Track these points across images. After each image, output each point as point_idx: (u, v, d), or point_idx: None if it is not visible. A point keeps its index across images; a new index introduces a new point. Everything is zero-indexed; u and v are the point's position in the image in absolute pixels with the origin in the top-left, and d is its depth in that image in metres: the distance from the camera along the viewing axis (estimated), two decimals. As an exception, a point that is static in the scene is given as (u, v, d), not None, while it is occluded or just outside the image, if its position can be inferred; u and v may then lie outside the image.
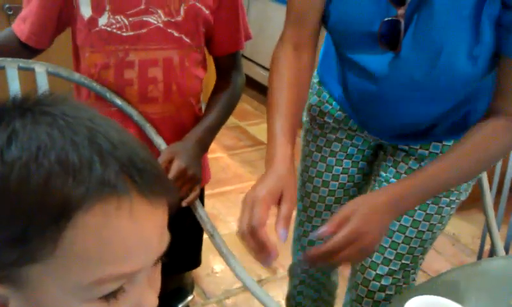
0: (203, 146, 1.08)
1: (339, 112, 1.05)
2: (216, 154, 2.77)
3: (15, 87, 0.93)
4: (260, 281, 1.85)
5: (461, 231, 2.25)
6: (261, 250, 0.76)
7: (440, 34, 0.83)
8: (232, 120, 2.73)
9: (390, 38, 0.85)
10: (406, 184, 0.86)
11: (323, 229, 0.79)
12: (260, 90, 3.43)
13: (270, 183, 0.79)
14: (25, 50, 1.03)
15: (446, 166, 0.85)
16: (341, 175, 1.09)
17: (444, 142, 0.98)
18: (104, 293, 0.42)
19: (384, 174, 1.04)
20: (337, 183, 1.10)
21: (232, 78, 1.13)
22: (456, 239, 2.26)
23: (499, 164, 1.28)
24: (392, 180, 1.02)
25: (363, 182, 1.12)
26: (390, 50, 0.86)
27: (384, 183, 1.03)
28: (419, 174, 0.86)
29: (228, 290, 1.81)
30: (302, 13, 0.92)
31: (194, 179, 1.02)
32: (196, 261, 1.37)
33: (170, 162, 0.98)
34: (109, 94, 1.01)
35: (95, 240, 0.40)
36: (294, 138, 0.87)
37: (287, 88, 0.89)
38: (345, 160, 1.09)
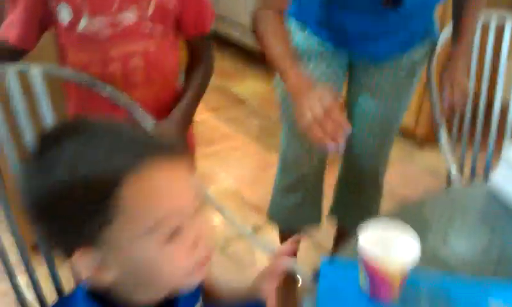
0: (186, 119, 1.22)
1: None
2: (202, 115, 2.87)
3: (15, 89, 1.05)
4: (255, 229, 2.02)
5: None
6: (337, 130, 0.93)
7: None
8: (212, 81, 2.83)
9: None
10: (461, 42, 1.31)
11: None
12: (237, 48, 3.53)
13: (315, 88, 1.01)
14: (14, 53, 1.15)
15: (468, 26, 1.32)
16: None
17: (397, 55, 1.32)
18: (166, 232, 0.59)
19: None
20: None
21: (203, 57, 1.26)
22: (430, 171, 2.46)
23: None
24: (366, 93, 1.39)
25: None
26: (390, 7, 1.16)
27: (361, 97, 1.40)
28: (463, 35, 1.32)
29: (228, 240, 1.95)
30: None
31: (183, 146, 1.16)
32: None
33: (161, 134, 1.12)
34: (98, 84, 1.14)
35: (143, 196, 0.58)
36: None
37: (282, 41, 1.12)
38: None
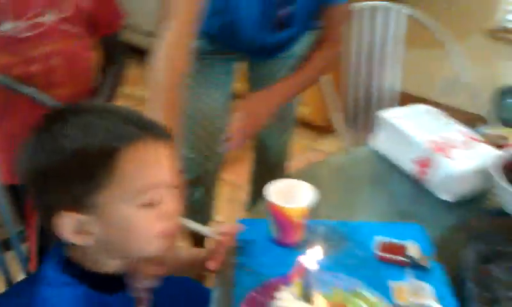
0: None
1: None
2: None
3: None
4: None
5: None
6: None
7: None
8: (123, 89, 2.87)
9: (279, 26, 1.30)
10: (284, 83, 1.32)
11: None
12: (140, 53, 3.56)
13: None
14: None
15: (302, 73, 1.34)
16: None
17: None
18: (146, 199, 0.71)
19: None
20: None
21: (115, 55, 1.38)
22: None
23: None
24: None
25: None
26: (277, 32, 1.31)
27: None
28: (290, 77, 1.33)
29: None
30: (187, 22, 1.09)
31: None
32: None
33: None
34: (18, 86, 1.21)
35: (135, 166, 0.69)
36: None
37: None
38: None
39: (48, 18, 1.21)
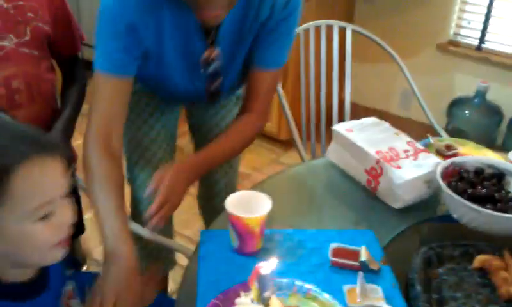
0: (67, 132, 1.35)
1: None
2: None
3: None
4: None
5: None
6: None
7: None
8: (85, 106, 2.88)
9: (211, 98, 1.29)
10: (200, 157, 1.20)
11: (149, 189, 1.08)
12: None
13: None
14: None
15: (220, 147, 1.23)
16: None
17: None
18: (42, 215, 0.74)
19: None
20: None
21: (77, 76, 1.41)
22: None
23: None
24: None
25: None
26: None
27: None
28: (207, 150, 1.21)
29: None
30: (112, 108, 1.10)
31: (71, 159, 1.30)
32: (81, 228, 1.64)
33: None
34: (-19, 108, 1.23)
35: (29, 185, 0.72)
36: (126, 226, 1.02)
37: (111, 190, 1.03)
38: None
39: (8, 42, 1.23)
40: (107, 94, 1.11)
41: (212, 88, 1.26)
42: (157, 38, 1.12)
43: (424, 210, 1.18)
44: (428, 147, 1.35)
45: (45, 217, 0.75)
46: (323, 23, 1.83)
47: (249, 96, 1.26)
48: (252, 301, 0.81)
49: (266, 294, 0.80)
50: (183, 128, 1.56)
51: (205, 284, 0.93)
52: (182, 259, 1.38)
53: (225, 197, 1.00)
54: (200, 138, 1.52)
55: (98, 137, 1.09)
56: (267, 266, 0.78)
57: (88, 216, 1.64)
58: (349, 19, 3.05)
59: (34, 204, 0.73)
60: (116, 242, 0.96)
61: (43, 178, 0.74)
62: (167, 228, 1.54)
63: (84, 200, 1.39)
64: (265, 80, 1.23)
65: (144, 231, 1.22)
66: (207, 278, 0.95)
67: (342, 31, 1.85)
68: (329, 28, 1.84)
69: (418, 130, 1.77)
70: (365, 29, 1.88)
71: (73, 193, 1.38)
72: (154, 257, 1.50)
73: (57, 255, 0.79)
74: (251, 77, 1.24)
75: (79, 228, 1.63)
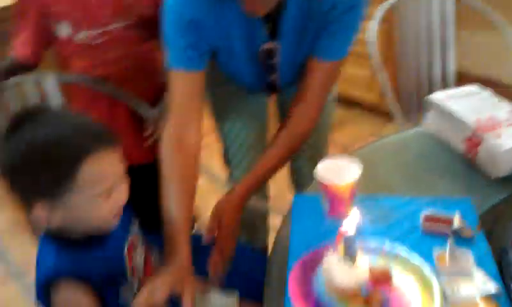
0: None
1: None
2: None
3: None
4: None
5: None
6: None
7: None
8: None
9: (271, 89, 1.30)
10: (249, 180, 1.19)
11: (205, 237, 1.11)
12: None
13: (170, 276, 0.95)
14: (27, 67, 1.38)
15: (271, 160, 1.20)
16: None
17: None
18: (104, 195, 0.88)
19: None
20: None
21: None
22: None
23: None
24: None
25: None
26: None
27: None
28: (256, 170, 1.20)
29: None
30: (185, 103, 1.13)
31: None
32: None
33: (157, 118, 1.38)
34: (99, 84, 1.39)
35: (94, 175, 0.86)
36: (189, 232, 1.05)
37: (177, 188, 1.07)
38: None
39: (115, 26, 1.36)
40: (179, 91, 1.14)
41: (270, 80, 1.28)
42: (223, 30, 1.13)
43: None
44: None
45: (106, 197, 0.89)
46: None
47: (303, 86, 1.21)
48: (339, 259, 0.85)
49: (351, 253, 0.83)
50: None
51: (296, 244, 0.99)
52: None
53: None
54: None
55: (172, 134, 1.12)
56: (351, 226, 0.82)
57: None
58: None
59: (97, 190, 0.87)
60: (173, 247, 1.01)
61: (105, 168, 0.88)
62: (261, 192, 1.58)
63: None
64: (322, 71, 1.19)
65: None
66: (298, 238, 1.01)
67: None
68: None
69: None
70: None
71: None
72: (248, 225, 1.56)
73: (113, 223, 0.94)
74: (308, 66, 1.20)
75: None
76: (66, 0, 1.33)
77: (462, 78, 1.83)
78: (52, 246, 0.91)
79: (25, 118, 0.89)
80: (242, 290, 1.12)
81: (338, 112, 1.69)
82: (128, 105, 1.42)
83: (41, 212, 0.87)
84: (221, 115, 1.44)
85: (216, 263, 1.08)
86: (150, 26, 1.43)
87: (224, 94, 1.40)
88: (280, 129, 1.24)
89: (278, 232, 1.06)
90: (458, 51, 1.83)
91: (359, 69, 2.73)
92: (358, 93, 2.92)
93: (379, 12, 1.73)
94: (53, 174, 0.84)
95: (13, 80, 1.31)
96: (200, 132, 1.15)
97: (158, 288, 0.91)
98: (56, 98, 1.34)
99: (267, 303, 0.91)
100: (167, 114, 1.15)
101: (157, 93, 1.47)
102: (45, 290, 0.89)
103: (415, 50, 1.81)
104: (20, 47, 1.37)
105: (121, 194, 0.93)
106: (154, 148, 1.40)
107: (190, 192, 1.11)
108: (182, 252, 1.00)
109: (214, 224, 1.12)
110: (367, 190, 1.07)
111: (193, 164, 1.13)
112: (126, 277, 0.97)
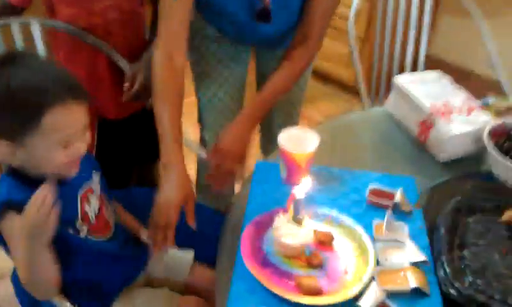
0: None
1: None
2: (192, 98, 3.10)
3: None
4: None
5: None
6: (164, 241, 1.04)
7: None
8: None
9: (262, 17, 1.30)
10: (254, 104, 1.29)
11: (205, 156, 1.23)
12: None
13: (177, 191, 1.04)
14: (15, 11, 1.42)
15: (274, 87, 1.30)
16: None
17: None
18: (63, 144, 0.96)
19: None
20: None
21: None
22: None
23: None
24: None
25: None
26: (264, 22, 1.31)
27: None
28: (261, 95, 1.29)
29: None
30: (175, 28, 1.21)
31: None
32: (156, 154, 1.83)
33: (135, 75, 1.43)
34: (83, 34, 1.44)
35: (58, 123, 0.94)
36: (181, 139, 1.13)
37: (168, 101, 1.16)
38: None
39: None
40: (169, 15, 1.22)
41: (262, 5, 1.28)
42: None
43: (468, 166, 1.24)
44: (488, 107, 1.38)
45: (65, 146, 0.97)
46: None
47: (305, 22, 1.30)
48: (288, 221, 0.95)
49: (299, 215, 0.94)
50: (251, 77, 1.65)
51: (253, 207, 1.08)
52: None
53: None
54: None
55: (162, 53, 1.20)
56: (301, 191, 0.91)
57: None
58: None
59: (59, 137, 0.95)
60: (169, 156, 1.09)
61: (68, 118, 0.95)
62: None
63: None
64: (321, 4, 1.27)
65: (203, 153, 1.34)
66: (255, 201, 1.10)
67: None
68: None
69: (481, 88, 1.74)
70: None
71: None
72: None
73: (70, 172, 1.02)
74: (307, 1, 1.28)
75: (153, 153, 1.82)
76: None
77: (434, 64, 1.91)
78: (9, 179, 0.99)
79: (6, 61, 0.96)
80: (199, 250, 1.23)
81: (312, 87, 1.77)
82: (109, 58, 1.47)
83: (4, 149, 0.95)
84: (200, 76, 1.51)
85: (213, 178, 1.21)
86: None
87: (207, 55, 1.47)
88: (282, 60, 1.31)
89: (237, 195, 1.16)
90: (436, 36, 1.89)
91: (339, 45, 2.80)
92: (334, 69, 2.99)
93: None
94: (19, 116, 0.92)
95: (0, 21, 1.35)
96: (185, 58, 1.23)
97: (171, 207, 1.02)
98: (40, 43, 1.39)
99: (220, 259, 1.00)
100: (156, 42, 1.23)
101: (138, 49, 1.52)
102: None
103: (391, 32, 1.88)
104: None
105: (80, 145, 1.00)
106: (130, 104, 1.47)
107: (179, 107, 1.18)
108: (179, 162, 1.09)
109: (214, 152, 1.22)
110: (324, 162, 1.17)
111: (181, 82, 1.21)
112: (74, 223, 1.05)
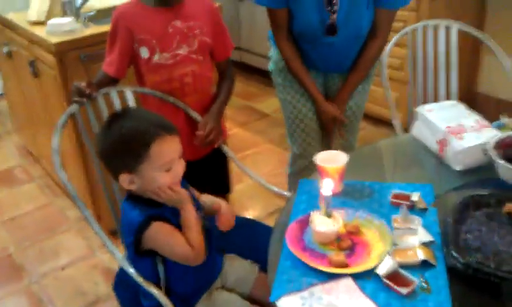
0: (220, 114, 1.90)
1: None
2: (233, 130, 3.52)
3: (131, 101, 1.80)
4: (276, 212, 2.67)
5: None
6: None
7: (355, 19, 1.82)
8: (240, 102, 3.50)
9: (330, 31, 1.82)
10: (344, 91, 2.02)
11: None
12: (260, 73, 4.20)
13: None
14: (112, 82, 1.85)
15: (355, 77, 1.97)
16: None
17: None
18: (166, 168, 1.31)
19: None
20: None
21: (227, 73, 1.96)
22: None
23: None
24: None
25: None
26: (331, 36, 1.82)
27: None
28: (348, 82, 2.00)
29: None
30: (282, 24, 1.90)
31: (219, 131, 1.85)
32: (227, 187, 2.19)
33: (205, 124, 1.81)
34: (165, 97, 1.84)
35: (159, 151, 1.29)
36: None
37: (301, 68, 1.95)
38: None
39: (182, 51, 1.82)
40: (272, 18, 1.92)
41: (330, 21, 1.83)
42: None
43: (481, 174, 1.46)
44: (501, 128, 1.60)
45: (167, 170, 1.30)
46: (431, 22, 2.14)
47: (375, 27, 1.87)
48: (321, 214, 1.24)
49: (329, 209, 1.22)
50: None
51: (297, 210, 1.38)
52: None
53: None
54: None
55: (283, 40, 1.94)
56: (328, 190, 1.21)
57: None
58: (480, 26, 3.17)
59: (161, 162, 1.29)
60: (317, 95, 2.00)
61: (167, 147, 1.29)
62: None
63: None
64: (386, 14, 1.85)
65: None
66: (298, 207, 1.40)
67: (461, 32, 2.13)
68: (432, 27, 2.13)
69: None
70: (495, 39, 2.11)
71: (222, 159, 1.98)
72: None
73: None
74: (376, 14, 1.85)
75: (225, 186, 2.18)
76: (147, 31, 1.76)
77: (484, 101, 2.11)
78: (134, 204, 1.34)
79: (114, 118, 1.35)
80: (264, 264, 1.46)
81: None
82: (186, 112, 1.86)
83: (126, 178, 1.31)
84: (286, 98, 2.08)
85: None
86: (208, 52, 1.88)
87: (289, 78, 2.05)
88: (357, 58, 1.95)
89: (284, 207, 1.45)
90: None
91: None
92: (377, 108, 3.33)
93: (394, 38, 2.11)
94: (133, 153, 1.28)
95: (102, 91, 1.76)
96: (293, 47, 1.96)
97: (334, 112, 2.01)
98: (132, 105, 1.80)
99: (271, 247, 1.29)
100: (275, 35, 1.99)
101: (207, 104, 1.90)
102: (137, 232, 1.28)
103: (422, 73, 2.16)
104: (109, 65, 1.84)
105: (179, 169, 1.34)
106: (201, 149, 1.84)
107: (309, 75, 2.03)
108: (323, 100, 2.04)
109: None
110: (358, 178, 1.45)
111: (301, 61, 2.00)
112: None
